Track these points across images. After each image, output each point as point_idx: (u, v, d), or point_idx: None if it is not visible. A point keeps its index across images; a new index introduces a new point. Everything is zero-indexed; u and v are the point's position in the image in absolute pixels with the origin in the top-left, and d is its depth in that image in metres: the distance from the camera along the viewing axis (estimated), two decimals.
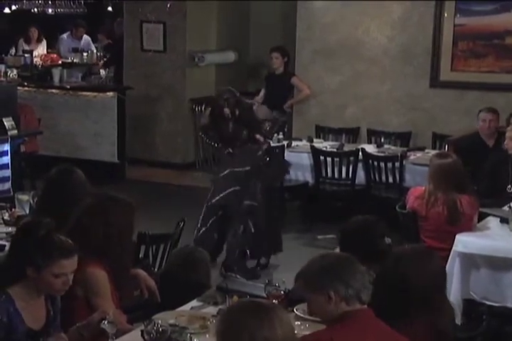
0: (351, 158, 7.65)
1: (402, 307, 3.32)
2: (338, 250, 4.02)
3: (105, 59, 11.64)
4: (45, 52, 11.94)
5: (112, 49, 11.75)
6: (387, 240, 3.96)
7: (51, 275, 3.30)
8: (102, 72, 10.83)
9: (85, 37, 12.34)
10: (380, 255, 3.69)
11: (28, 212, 5.22)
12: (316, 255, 3.18)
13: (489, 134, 7.20)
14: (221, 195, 6.64)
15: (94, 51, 11.91)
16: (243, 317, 2.61)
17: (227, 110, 6.64)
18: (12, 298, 3.29)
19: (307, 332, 3.42)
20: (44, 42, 12.17)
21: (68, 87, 10.18)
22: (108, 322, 3.31)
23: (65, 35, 12.25)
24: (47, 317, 3.43)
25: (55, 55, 11.61)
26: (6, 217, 5.12)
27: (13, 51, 11.39)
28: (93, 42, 12.49)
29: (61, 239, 3.38)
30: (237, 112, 6.68)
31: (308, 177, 7.94)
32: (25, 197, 5.34)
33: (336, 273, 3.05)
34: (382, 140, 8.46)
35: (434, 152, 7.13)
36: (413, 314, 3.31)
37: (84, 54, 11.57)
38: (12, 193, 6.90)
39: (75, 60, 11.46)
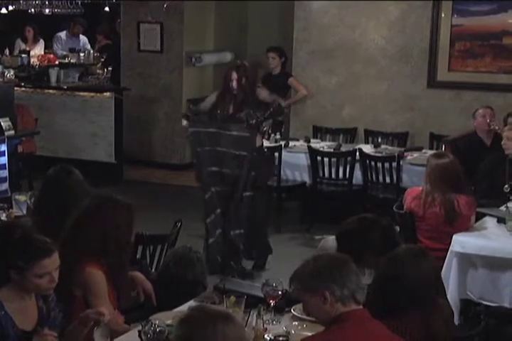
0: (348, 158, 7.65)
1: (396, 307, 3.32)
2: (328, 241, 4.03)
3: (103, 59, 11.64)
4: (42, 52, 11.93)
5: (110, 49, 11.74)
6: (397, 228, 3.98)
7: (35, 276, 3.26)
8: (99, 71, 10.83)
9: (82, 37, 12.33)
10: (393, 246, 3.69)
11: (25, 212, 5.21)
12: (310, 256, 3.18)
13: (488, 131, 7.19)
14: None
15: (91, 51, 11.90)
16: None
17: (235, 74, 6.57)
18: (0, 302, 3.25)
19: (305, 332, 3.43)
20: (41, 42, 12.16)
21: (65, 87, 10.18)
22: (101, 328, 3.26)
23: (61, 34, 12.23)
24: (39, 316, 3.39)
25: (52, 56, 11.61)
26: (4, 217, 5.12)
27: (7, 51, 11.38)
28: (90, 42, 12.47)
29: (39, 239, 3.33)
30: (243, 81, 6.60)
31: (306, 177, 7.95)
32: (22, 198, 5.34)
33: (331, 274, 3.05)
34: (380, 140, 8.47)
35: (431, 152, 7.13)
36: (408, 313, 3.31)
37: (81, 54, 11.56)
38: (9, 194, 6.90)
39: (71, 61, 11.46)
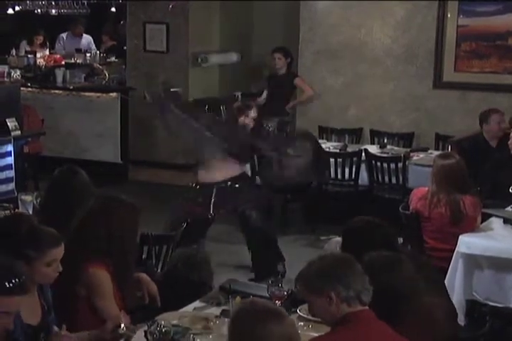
0: (354, 159, 7.64)
1: (387, 309, 3.28)
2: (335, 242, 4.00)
3: (109, 59, 11.64)
4: (47, 53, 11.95)
5: (117, 51, 11.74)
6: (399, 240, 3.95)
7: (44, 264, 3.33)
8: (106, 72, 10.85)
9: (86, 36, 12.33)
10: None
11: (31, 212, 5.22)
12: (315, 257, 3.17)
13: (497, 135, 7.18)
14: None
15: (97, 52, 11.90)
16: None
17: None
18: None
19: (311, 333, 3.42)
20: (47, 45, 12.16)
21: (71, 87, 10.19)
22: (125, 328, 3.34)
23: (63, 35, 12.24)
24: (42, 312, 3.43)
25: (58, 56, 11.60)
26: None
27: (13, 52, 11.39)
28: (97, 42, 12.48)
29: (47, 229, 3.42)
30: None
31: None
32: (28, 198, 5.35)
33: (336, 275, 3.04)
34: (385, 140, 8.46)
35: (437, 153, 7.12)
36: (400, 316, 3.27)
37: (88, 55, 11.57)
38: (15, 194, 6.91)
39: (78, 61, 11.47)
